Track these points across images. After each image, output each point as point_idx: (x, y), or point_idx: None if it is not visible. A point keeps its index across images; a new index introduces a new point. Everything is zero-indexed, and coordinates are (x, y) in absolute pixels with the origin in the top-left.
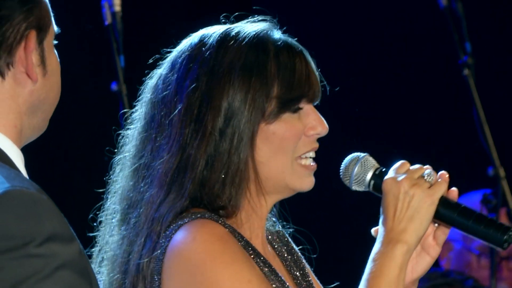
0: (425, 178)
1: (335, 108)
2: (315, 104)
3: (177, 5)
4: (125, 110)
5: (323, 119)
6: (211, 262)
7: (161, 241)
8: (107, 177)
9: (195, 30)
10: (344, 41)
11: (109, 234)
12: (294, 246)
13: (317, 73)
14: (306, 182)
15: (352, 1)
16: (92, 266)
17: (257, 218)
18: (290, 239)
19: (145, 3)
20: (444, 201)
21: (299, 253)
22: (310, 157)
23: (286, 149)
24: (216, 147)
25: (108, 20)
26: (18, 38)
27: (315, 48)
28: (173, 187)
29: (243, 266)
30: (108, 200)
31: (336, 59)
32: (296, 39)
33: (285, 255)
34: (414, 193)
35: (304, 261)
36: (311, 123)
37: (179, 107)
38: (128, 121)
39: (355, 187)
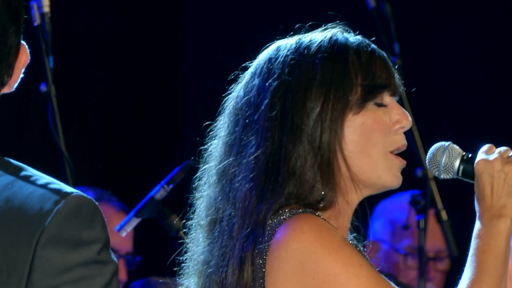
0: None
1: None
2: (397, 100)
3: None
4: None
5: (407, 113)
6: (323, 250)
7: (262, 236)
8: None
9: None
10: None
11: (198, 243)
12: (361, 247)
13: (394, 70)
14: (397, 178)
15: (275, 2)
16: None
17: (346, 215)
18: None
19: (73, 4)
20: None
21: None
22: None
23: (375, 141)
24: (305, 140)
25: (37, 21)
26: None
27: None
28: (269, 181)
29: (352, 252)
30: (195, 209)
31: None
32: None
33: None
34: (508, 171)
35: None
36: (396, 116)
37: (264, 104)
38: (211, 133)
39: (444, 176)
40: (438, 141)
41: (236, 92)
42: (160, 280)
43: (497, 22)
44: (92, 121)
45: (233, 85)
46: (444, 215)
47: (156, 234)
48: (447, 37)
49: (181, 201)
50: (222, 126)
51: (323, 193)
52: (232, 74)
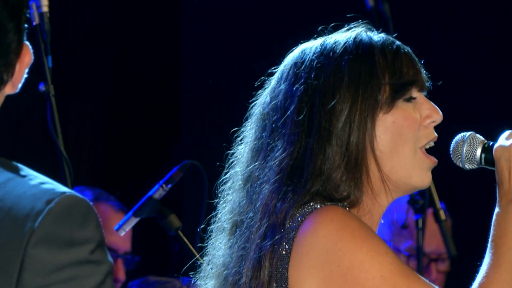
0: None
1: None
2: (425, 94)
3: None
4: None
5: (437, 107)
6: (350, 238)
7: (289, 225)
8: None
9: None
10: (257, 41)
11: (218, 245)
12: None
13: (421, 65)
14: (427, 177)
15: (273, 2)
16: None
17: (375, 216)
18: None
19: (73, 4)
20: None
21: None
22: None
23: (407, 138)
24: (334, 142)
25: (35, 21)
26: None
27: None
28: (292, 182)
29: (379, 240)
30: (219, 212)
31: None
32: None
33: None
34: None
35: None
36: (425, 111)
37: (291, 108)
38: (238, 139)
39: (468, 166)
40: (460, 133)
41: (263, 98)
42: (158, 280)
43: (498, 20)
44: (90, 120)
45: (259, 91)
46: (442, 214)
47: (154, 234)
48: (446, 36)
49: (179, 201)
50: (249, 132)
51: (347, 192)
52: (231, 74)
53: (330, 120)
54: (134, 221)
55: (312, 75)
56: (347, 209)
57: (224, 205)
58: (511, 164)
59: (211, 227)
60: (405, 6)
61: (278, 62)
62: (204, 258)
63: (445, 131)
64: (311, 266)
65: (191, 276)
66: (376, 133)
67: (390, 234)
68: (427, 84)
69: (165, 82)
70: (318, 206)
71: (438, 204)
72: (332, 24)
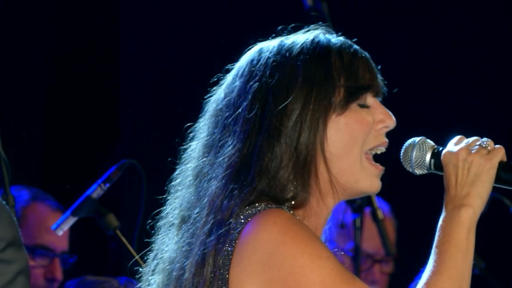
0: (482, 145)
1: None
2: (379, 100)
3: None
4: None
5: (390, 113)
6: (291, 242)
7: (233, 226)
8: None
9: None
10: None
11: (166, 240)
12: None
13: (377, 70)
14: (375, 183)
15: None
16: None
17: (320, 217)
18: None
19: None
20: (504, 165)
21: None
22: (376, 153)
23: (357, 141)
24: (283, 142)
25: None
26: None
27: None
28: (239, 179)
29: (321, 245)
30: (168, 207)
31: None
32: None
33: None
34: (472, 160)
35: None
36: (379, 116)
37: (244, 105)
38: (191, 135)
39: (417, 171)
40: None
41: (218, 95)
42: (95, 279)
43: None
44: (28, 119)
45: (215, 87)
46: (380, 214)
47: (92, 233)
48: (385, 36)
49: (117, 200)
50: (202, 128)
51: (294, 193)
52: (174, 73)
53: (281, 119)
54: (72, 220)
55: (267, 74)
56: (291, 211)
57: (173, 200)
58: (458, 170)
59: (159, 222)
60: (343, 5)
61: (210, 61)
62: (150, 254)
63: (396, 136)
64: (253, 269)
65: (134, 274)
66: (327, 135)
67: (335, 234)
68: (383, 90)
69: (104, 80)
70: (263, 208)
71: (376, 204)
72: (292, 25)
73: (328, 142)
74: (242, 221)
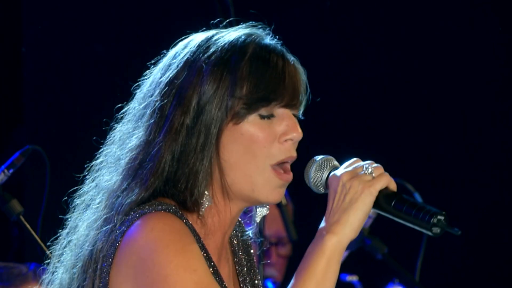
0: (364, 171)
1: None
2: (298, 113)
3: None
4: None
5: (297, 124)
6: (162, 250)
7: (118, 227)
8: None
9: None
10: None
11: (78, 219)
12: (253, 257)
13: (302, 82)
14: (274, 194)
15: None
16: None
17: (218, 221)
18: (251, 249)
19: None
20: (385, 194)
21: (255, 264)
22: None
23: (256, 153)
24: (183, 143)
25: None
26: None
27: None
28: (135, 177)
29: (193, 256)
30: (85, 185)
31: None
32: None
33: (243, 262)
34: (351, 185)
35: (258, 272)
36: (283, 128)
37: (152, 101)
38: (120, 115)
39: (321, 190)
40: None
41: (144, 85)
42: (4, 265)
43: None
44: None
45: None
46: (283, 199)
47: None
48: (285, 21)
49: (21, 186)
50: (127, 113)
51: (187, 195)
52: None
53: (182, 121)
54: None
55: (179, 70)
56: (183, 213)
57: (92, 180)
58: (336, 195)
59: (75, 201)
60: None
61: (117, 44)
62: (65, 231)
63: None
64: (128, 273)
65: (38, 260)
66: (223, 142)
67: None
68: (300, 102)
69: (7, 66)
70: (149, 210)
71: None
72: (228, 20)
73: (224, 150)
74: (127, 223)
